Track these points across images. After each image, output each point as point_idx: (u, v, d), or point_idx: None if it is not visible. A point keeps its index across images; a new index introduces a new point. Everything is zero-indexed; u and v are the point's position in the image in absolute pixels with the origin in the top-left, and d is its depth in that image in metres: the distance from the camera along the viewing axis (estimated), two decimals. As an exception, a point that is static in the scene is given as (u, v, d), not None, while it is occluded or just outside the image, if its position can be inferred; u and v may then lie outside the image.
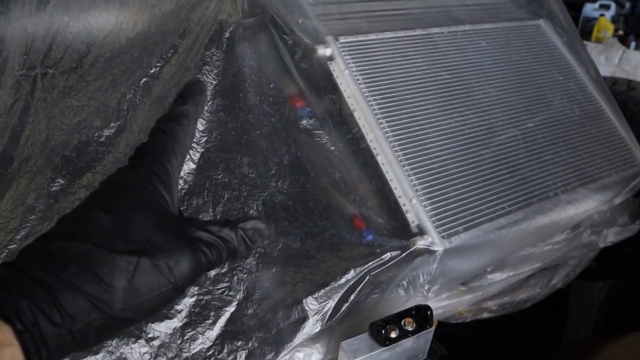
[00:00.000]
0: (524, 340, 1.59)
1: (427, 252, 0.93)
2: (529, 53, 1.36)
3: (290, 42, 1.03)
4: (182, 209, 0.90)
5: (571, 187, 1.16)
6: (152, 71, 0.97)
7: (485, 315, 1.15)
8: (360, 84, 1.05)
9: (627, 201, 1.33)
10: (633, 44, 3.62)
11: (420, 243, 0.92)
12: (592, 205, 1.19)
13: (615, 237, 1.30)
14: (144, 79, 0.96)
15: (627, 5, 3.81)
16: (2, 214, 0.84)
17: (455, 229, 0.97)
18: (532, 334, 1.62)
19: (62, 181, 0.88)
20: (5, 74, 0.96)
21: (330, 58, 1.06)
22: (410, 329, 0.89)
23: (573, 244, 1.22)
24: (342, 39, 1.09)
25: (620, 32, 3.67)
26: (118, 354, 0.80)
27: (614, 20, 3.68)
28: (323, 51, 1.05)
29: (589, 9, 3.71)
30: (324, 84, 1.03)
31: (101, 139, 0.92)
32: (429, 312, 0.90)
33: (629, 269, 1.50)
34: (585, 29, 3.61)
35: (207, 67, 0.97)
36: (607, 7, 3.69)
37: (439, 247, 0.93)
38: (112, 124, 0.93)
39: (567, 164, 1.19)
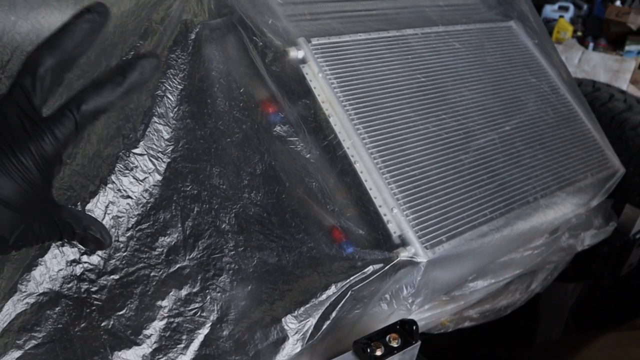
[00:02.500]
0: (497, 343, 1.57)
1: (411, 263, 0.89)
2: (502, 55, 1.34)
3: (261, 44, 0.97)
4: (148, 224, 0.83)
5: (550, 191, 1.14)
6: (111, 75, 0.89)
7: (467, 324, 1.12)
8: (335, 87, 1.00)
9: (601, 203, 1.32)
10: (591, 44, 3.70)
11: (404, 255, 0.88)
12: (570, 208, 1.18)
13: (592, 239, 1.29)
14: (103, 84, 0.88)
15: (585, 7, 3.90)
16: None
17: (439, 239, 0.93)
18: (504, 337, 1.60)
19: (12, 197, 0.80)
20: (-55, 79, 0.87)
21: (303, 61, 1.00)
22: (395, 345, 0.85)
23: (552, 248, 1.21)
24: (314, 41, 1.04)
25: (579, 33, 3.75)
26: (80, 388, 0.72)
27: (572, 21, 3.75)
28: (295, 53, 0.99)
29: (549, 10, 3.77)
30: (296, 88, 0.97)
31: (56, 150, 0.84)
32: (414, 327, 0.86)
33: (602, 270, 1.50)
34: (545, 31, 3.67)
35: (171, 70, 0.90)
36: (566, 9, 3.76)
37: (422, 258, 0.89)
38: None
39: (544, 168, 1.17)
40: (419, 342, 0.87)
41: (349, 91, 1.01)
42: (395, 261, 0.87)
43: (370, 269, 0.86)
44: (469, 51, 1.29)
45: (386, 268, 0.86)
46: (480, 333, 1.28)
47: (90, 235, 0.52)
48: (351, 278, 0.85)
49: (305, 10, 1.13)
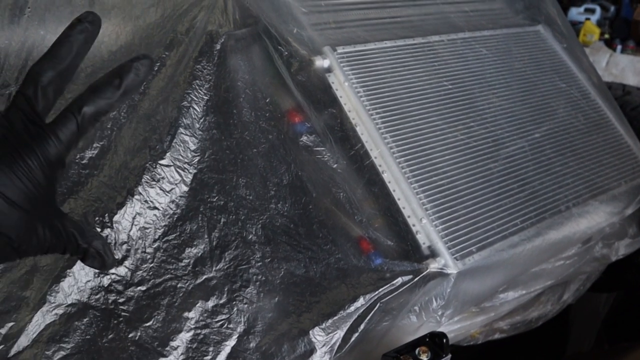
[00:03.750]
0: (527, 354, 1.53)
1: (441, 275, 0.87)
2: (530, 60, 1.32)
3: (286, 53, 0.96)
4: (174, 235, 0.83)
5: (582, 200, 1.11)
6: (138, 86, 0.90)
7: (497, 335, 1.09)
8: (361, 96, 0.99)
9: (636, 211, 1.28)
10: (619, 47, 3.62)
11: (433, 266, 0.86)
12: (603, 217, 1.14)
13: (626, 249, 1.25)
14: (130, 95, 0.89)
15: (612, 8, 3.82)
16: (-24, 248, 0.76)
17: (469, 249, 0.91)
18: (534, 348, 1.57)
19: (41, 209, 0.80)
20: (-23, 92, 0.88)
21: (329, 70, 0.99)
22: (425, 359, 0.83)
23: (585, 259, 1.17)
24: (339, 49, 1.03)
25: (606, 36, 3.68)
26: (108, 401, 0.72)
27: (599, 24, 3.68)
28: (321, 62, 0.99)
29: (575, 13, 3.71)
30: (322, 97, 0.96)
31: (83, 161, 0.84)
32: (444, 340, 0.84)
33: (637, 280, 1.46)
34: (571, 34, 3.61)
35: (197, 81, 0.90)
36: (593, 11, 3.69)
37: (452, 270, 0.87)
38: (95, 145, 0.85)
39: (576, 175, 1.14)
40: (449, 356, 0.85)
41: (376, 100, 1.00)
42: (424, 273, 0.85)
43: (399, 280, 0.84)
44: (496, 57, 1.27)
45: (415, 280, 0.85)
46: (510, 344, 1.25)
47: (94, 251, 0.52)
48: (380, 290, 0.83)
49: (330, 18, 1.13)
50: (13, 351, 0.71)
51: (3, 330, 0.71)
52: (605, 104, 1.35)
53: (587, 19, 3.67)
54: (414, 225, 0.89)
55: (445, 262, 0.87)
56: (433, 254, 0.88)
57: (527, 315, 1.15)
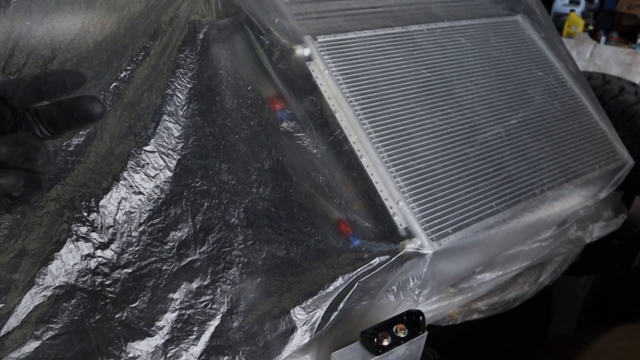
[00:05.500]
0: (509, 337, 1.57)
1: (417, 255, 0.90)
2: (508, 49, 1.35)
3: (267, 42, 0.99)
4: (159, 219, 0.86)
5: (557, 184, 1.15)
6: (122, 75, 0.92)
7: (475, 316, 1.13)
8: (340, 84, 1.01)
9: (611, 195, 1.32)
10: (603, 38, 3.67)
11: (410, 246, 0.89)
12: (578, 200, 1.18)
13: (600, 231, 1.29)
14: (114, 84, 0.91)
15: (596, 0, 3.87)
16: (-35, 232, 0.78)
17: (444, 231, 0.94)
18: (516, 331, 1.60)
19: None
20: (-36, 82, 0.90)
21: (309, 58, 1.02)
22: (402, 336, 0.86)
23: (560, 241, 1.21)
24: (320, 39, 1.06)
25: (591, 27, 3.72)
26: (96, 377, 0.75)
27: (583, 15, 3.72)
28: (301, 51, 1.01)
29: (559, 5, 3.75)
30: (303, 84, 0.99)
31: (70, 148, 0.87)
32: (421, 318, 0.87)
33: (614, 263, 1.50)
34: (556, 25, 3.65)
35: (180, 70, 0.92)
36: (577, 3, 3.73)
37: (428, 250, 0.90)
38: (80, 132, 0.88)
39: (551, 160, 1.18)
40: (426, 333, 0.88)
41: (355, 87, 1.03)
42: (401, 253, 0.89)
43: (376, 260, 0.87)
44: (474, 46, 1.30)
45: (392, 260, 0.88)
46: (492, 326, 1.29)
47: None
48: (358, 270, 0.86)
49: (312, 8, 1.15)
50: (3, 331, 0.74)
51: (-7, 311, 0.74)
52: (582, 92, 1.38)
53: (572, 10, 3.71)
54: (391, 208, 0.93)
55: (422, 242, 0.91)
56: (409, 235, 0.91)
57: (505, 296, 1.19)
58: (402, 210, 0.92)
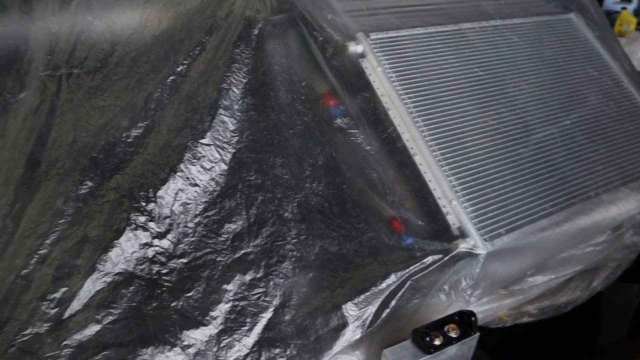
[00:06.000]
0: (558, 342, 1.54)
1: (470, 255, 0.89)
2: (561, 48, 1.32)
3: (321, 39, 0.99)
4: (214, 211, 0.87)
5: (612, 187, 1.12)
6: (179, 69, 0.94)
7: (525, 319, 1.11)
8: (393, 81, 1.01)
9: (667, 200, 1.28)
10: (655, 38, 3.55)
11: (463, 246, 0.88)
12: (634, 204, 1.15)
13: (657, 237, 1.25)
14: (171, 77, 0.93)
15: (648, -2, 3.74)
16: (31, 218, 0.81)
17: (498, 231, 0.93)
18: (565, 337, 1.57)
19: (90, 183, 0.85)
20: (30, 74, 0.93)
21: (362, 55, 1.02)
22: (454, 336, 0.85)
23: (614, 246, 1.18)
24: (373, 36, 1.06)
25: (643, 26, 3.60)
26: (153, 364, 0.77)
27: (636, 13, 3.60)
28: (354, 48, 1.01)
29: (610, 3, 3.63)
30: (356, 81, 0.99)
31: (129, 140, 0.89)
32: (473, 319, 0.86)
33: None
34: (606, 24, 3.55)
35: (236, 64, 0.93)
36: (629, 0, 3.61)
37: (482, 250, 0.89)
38: (139, 124, 0.90)
39: (607, 163, 1.15)
40: (478, 334, 0.87)
41: (408, 85, 1.02)
42: (454, 252, 0.88)
43: (429, 259, 0.87)
44: (527, 44, 1.28)
45: (445, 259, 0.87)
46: (541, 331, 1.26)
47: None
48: (410, 268, 0.86)
49: (363, 5, 1.15)
50: (67, 314, 0.76)
51: (58, 295, 0.76)
52: (639, 92, 1.34)
53: (624, 8, 3.59)
54: (444, 207, 0.92)
55: (475, 242, 0.89)
56: (462, 234, 0.90)
57: (556, 300, 1.16)
58: (455, 210, 0.92)
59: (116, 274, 0.80)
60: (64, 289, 0.77)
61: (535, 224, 0.99)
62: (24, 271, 0.78)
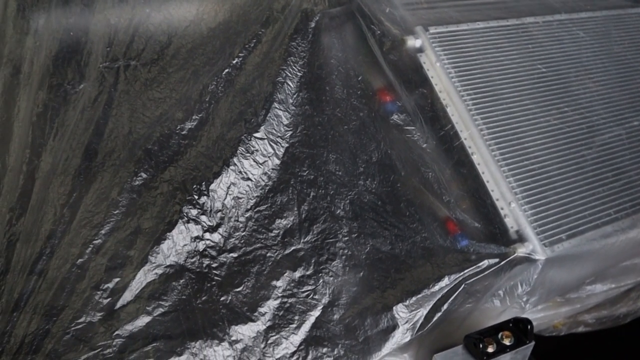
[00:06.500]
0: (614, 355, 1.47)
1: (528, 260, 0.86)
2: (631, 44, 1.25)
3: (378, 32, 0.97)
4: (266, 206, 0.86)
5: (683, 193, 1.05)
6: (234, 62, 0.93)
7: (581, 329, 1.06)
8: (452, 77, 0.98)
9: None
10: None
11: (521, 251, 0.85)
12: None
13: None
14: (227, 70, 0.93)
15: None
16: (87, 209, 0.82)
17: (558, 237, 0.89)
18: (623, 350, 1.50)
19: (144, 175, 0.86)
20: (89, 66, 0.94)
21: (420, 49, 0.99)
22: (508, 344, 0.82)
23: (682, 255, 1.11)
24: (432, 30, 1.02)
25: None
26: (201, 356, 0.77)
27: None
28: (412, 42, 0.99)
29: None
30: (414, 76, 0.96)
31: (183, 132, 0.89)
32: (529, 326, 0.83)
33: None
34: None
35: (292, 58, 0.92)
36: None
37: (540, 256, 0.86)
38: (194, 117, 0.90)
39: (678, 167, 1.08)
40: (533, 342, 0.83)
41: (467, 81, 0.99)
42: (511, 257, 0.84)
43: (485, 263, 0.84)
44: (594, 40, 1.21)
45: (502, 263, 0.84)
46: (596, 342, 1.21)
47: None
48: (465, 271, 0.83)
49: (422, -2, 1.12)
50: (119, 304, 0.77)
51: (111, 285, 0.77)
52: None
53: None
54: (502, 209, 0.88)
55: (534, 247, 0.86)
56: (521, 238, 0.87)
57: (615, 311, 1.11)
58: (513, 212, 0.88)
59: (167, 266, 0.80)
60: (116, 279, 0.78)
61: (599, 230, 0.94)
62: (80, 260, 0.79)
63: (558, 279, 0.93)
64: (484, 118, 0.95)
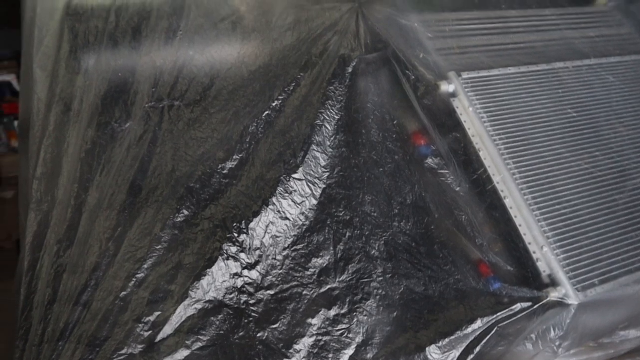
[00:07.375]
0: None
1: (561, 305, 0.86)
2: (661, 89, 1.26)
3: (413, 77, 1.00)
4: (303, 245, 0.89)
5: None
6: (274, 104, 0.97)
7: (614, 375, 1.05)
8: (485, 121, 1.00)
9: None
10: None
11: (554, 295, 0.86)
12: None
13: None
14: (267, 112, 0.97)
15: None
16: (131, 243, 0.85)
17: (591, 281, 0.89)
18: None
19: (186, 212, 0.89)
20: (136, 105, 0.99)
21: (453, 94, 1.02)
22: (541, 389, 0.82)
23: None
24: (464, 75, 1.05)
25: None
26: (238, 393, 0.78)
27: None
28: (446, 87, 1.02)
29: None
30: (447, 121, 0.99)
31: (224, 171, 0.92)
32: (562, 372, 0.83)
33: None
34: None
35: (330, 101, 0.96)
36: None
37: (573, 301, 0.86)
38: (235, 157, 0.93)
39: None
40: (567, 389, 0.83)
41: (499, 125, 1.01)
42: (544, 301, 0.85)
43: (518, 306, 0.84)
44: (624, 85, 1.23)
45: (535, 307, 0.85)
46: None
47: None
48: (498, 314, 0.84)
49: (454, 44, 1.15)
50: (159, 337, 0.80)
51: (152, 318, 0.80)
52: None
53: None
54: (534, 253, 0.89)
55: (566, 292, 0.86)
56: (553, 282, 0.87)
57: (648, 357, 1.09)
58: (546, 256, 0.89)
59: (207, 302, 0.83)
60: (157, 313, 0.80)
61: (632, 275, 0.94)
62: (123, 293, 0.82)
63: (591, 324, 0.93)
64: (516, 162, 0.97)
